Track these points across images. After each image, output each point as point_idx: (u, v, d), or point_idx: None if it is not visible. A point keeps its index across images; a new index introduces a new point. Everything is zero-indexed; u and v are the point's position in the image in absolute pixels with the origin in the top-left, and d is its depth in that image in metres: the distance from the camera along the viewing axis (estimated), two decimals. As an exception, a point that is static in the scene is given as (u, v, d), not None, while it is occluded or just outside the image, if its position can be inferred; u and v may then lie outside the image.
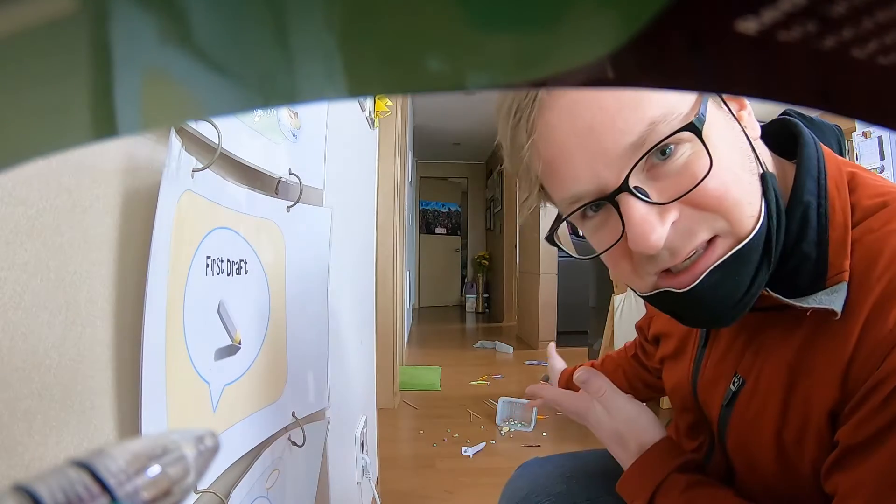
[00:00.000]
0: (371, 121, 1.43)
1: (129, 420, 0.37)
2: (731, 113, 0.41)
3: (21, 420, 0.28)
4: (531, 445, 2.04)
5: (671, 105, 0.37)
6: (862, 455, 0.36)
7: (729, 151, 0.39)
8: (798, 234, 0.41)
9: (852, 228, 0.40)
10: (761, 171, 0.40)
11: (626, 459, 0.53)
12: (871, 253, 0.38)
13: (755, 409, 0.45)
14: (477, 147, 6.35)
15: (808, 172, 0.42)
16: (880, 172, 3.12)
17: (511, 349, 4.09)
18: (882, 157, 3.10)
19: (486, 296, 6.87)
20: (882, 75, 0.10)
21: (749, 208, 0.38)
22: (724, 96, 0.41)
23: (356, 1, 0.10)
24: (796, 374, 0.41)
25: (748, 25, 0.09)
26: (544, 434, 2.16)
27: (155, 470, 0.14)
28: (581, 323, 3.73)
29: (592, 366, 0.83)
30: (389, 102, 1.62)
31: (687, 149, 0.38)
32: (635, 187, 0.38)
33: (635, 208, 0.38)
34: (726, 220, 0.38)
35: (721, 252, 0.39)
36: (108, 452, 0.14)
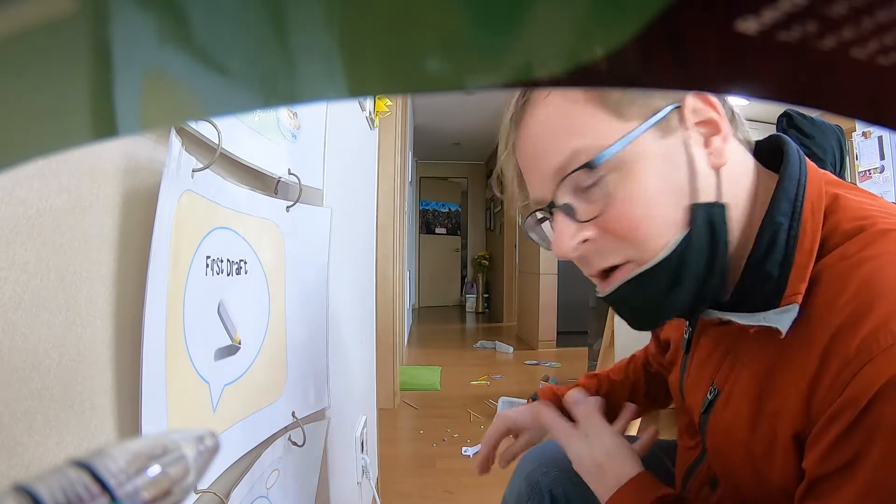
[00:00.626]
0: (371, 121, 1.43)
1: (129, 420, 0.37)
2: (686, 142, 0.42)
3: (21, 420, 0.28)
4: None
5: (596, 136, 0.41)
6: (832, 486, 0.36)
7: (652, 185, 0.41)
8: (765, 252, 0.42)
9: (830, 251, 0.40)
10: (694, 202, 0.42)
11: (603, 493, 0.53)
12: (842, 279, 0.38)
13: (728, 419, 0.46)
14: (477, 147, 6.35)
15: (786, 193, 0.43)
16: (880, 172, 3.12)
17: (511, 349, 4.09)
18: (882, 157, 3.10)
19: (486, 296, 6.86)
20: (882, 75, 0.10)
21: (657, 241, 0.42)
22: (696, 121, 0.43)
23: (356, 1, 0.10)
24: (765, 391, 0.42)
25: (748, 25, 0.09)
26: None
27: (155, 470, 0.14)
28: (581, 323, 3.73)
29: (598, 377, 0.81)
30: (389, 102, 1.62)
31: (615, 178, 0.41)
32: (564, 204, 0.44)
33: (557, 221, 0.45)
34: (633, 248, 0.43)
35: (625, 273, 0.44)
36: (109, 452, 0.14)
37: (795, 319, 0.39)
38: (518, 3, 0.10)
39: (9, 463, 0.27)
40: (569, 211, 0.44)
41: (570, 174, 0.42)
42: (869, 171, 3.16)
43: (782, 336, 0.39)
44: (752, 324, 0.41)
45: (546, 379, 2.84)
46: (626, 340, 1.96)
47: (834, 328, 0.37)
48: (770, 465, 0.42)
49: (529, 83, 0.11)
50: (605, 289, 0.46)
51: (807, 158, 0.46)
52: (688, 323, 0.56)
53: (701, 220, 0.42)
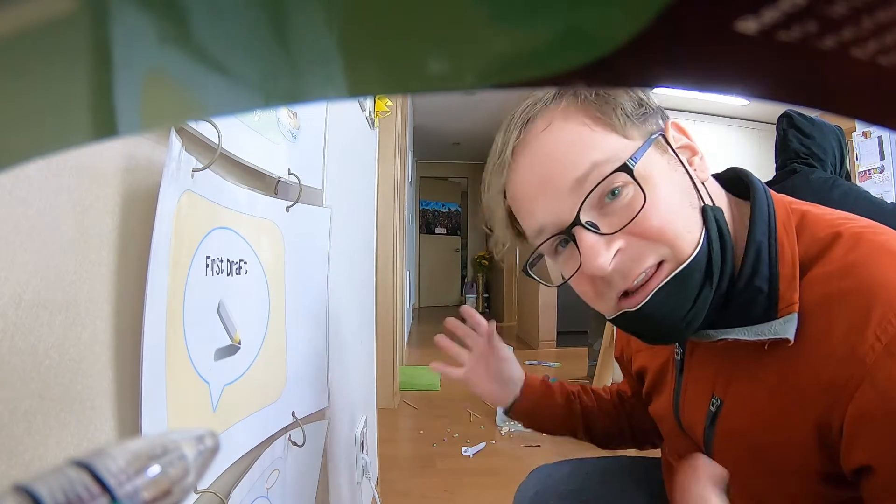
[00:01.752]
0: (371, 121, 1.43)
1: (129, 420, 0.37)
2: (678, 157, 0.48)
3: (21, 420, 0.28)
4: (531, 445, 2.04)
5: (614, 152, 0.44)
6: None
7: (668, 189, 0.45)
8: (752, 270, 0.45)
9: (813, 260, 0.44)
10: (702, 204, 0.46)
11: None
12: (834, 283, 0.42)
13: (738, 426, 0.49)
14: (477, 147, 6.35)
15: (760, 216, 0.47)
16: (880, 172, 3.12)
17: (511, 349, 4.07)
18: (882, 157, 3.10)
19: (486, 296, 6.86)
20: (882, 75, 0.10)
21: (689, 235, 0.44)
22: (676, 146, 0.48)
23: (356, 1, 0.10)
24: (777, 392, 0.45)
25: (748, 25, 0.09)
26: (544, 434, 2.15)
27: (155, 470, 0.14)
28: (581, 323, 3.73)
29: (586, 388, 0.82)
30: (389, 102, 1.62)
31: (631, 190, 0.44)
32: (587, 221, 0.45)
33: (586, 237, 0.45)
34: (668, 246, 0.44)
35: (666, 273, 0.44)
36: (109, 452, 0.14)
37: (799, 342, 0.43)
38: (518, 4, 0.10)
39: (9, 463, 0.27)
40: (593, 226, 0.45)
41: (600, 183, 0.44)
42: (869, 171, 3.16)
43: (791, 344, 0.43)
44: (762, 338, 0.44)
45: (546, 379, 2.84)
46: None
47: (841, 326, 0.40)
48: (788, 458, 0.45)
49: (529, 83, 0.11)
50: (640, 299, 0.45)
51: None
52: (677, 344, 0.57)
53: (712, 218, 0.45)
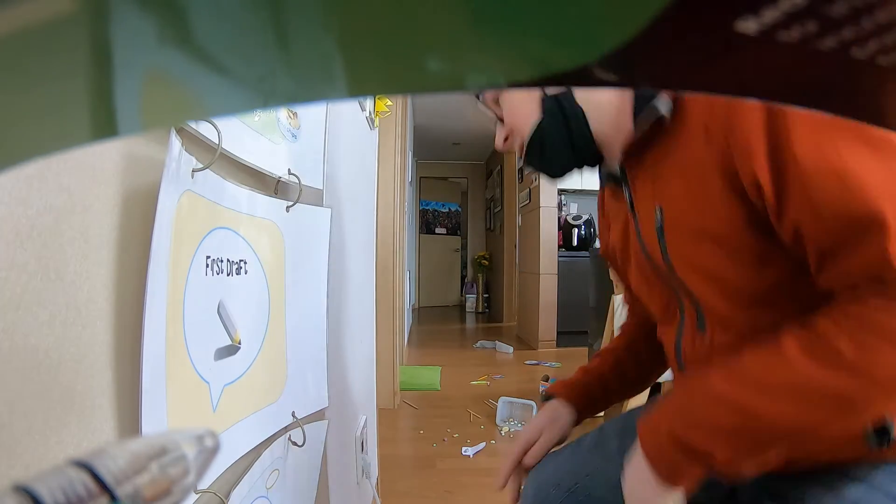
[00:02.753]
0: (371, 121, 1.43)
1: (129, 420, 0.37)
2: None
3: (21, 420, 0.28)
4: (531, 445, 2.04)
5: None
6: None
7: (516, 93, 0.62)
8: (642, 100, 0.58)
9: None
10: (543, 95, 0.61)
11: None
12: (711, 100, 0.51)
13: (675, 219, 0.56)
14: (477, 147, 6.35)
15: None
16: (880, 172, 3.10)
17: (511, 349, 4.09)
18: (882, 157, 3.09)
19: (486, 296, 6.86)
20: (882, 75, 0.10)
21: (526, 121, 0.62)
22: None
23: (356, 2, 0.10)
24: (684, 171, 0.54)
25: (748, 25, 0.09)
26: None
27: (155, 470, 0.14)
28: (581, 323, 3.74)
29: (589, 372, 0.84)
30: (389, 102, 1.62)
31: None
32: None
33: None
34: (517, 131, 0.65)
35: (520, 143, 0.65)
36: (109, 452, 0.14)
37: (682, 122, 0.54)
38: (517, 4, 0.10)
39: (9, 463, 0.27)
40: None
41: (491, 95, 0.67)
42: (869, 171, 3.15)
43: (666, 122, 0.55)
44: (648, 119, 0.55)
45: (546, 379, 2.84)
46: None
47: (712, 109, 0.50)
48: (716, 217, 0.51)
49: (529, 83, 0.11)
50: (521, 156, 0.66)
51: None
52: (623, 189, 0.65)
53: (549, 103, 0.60)
